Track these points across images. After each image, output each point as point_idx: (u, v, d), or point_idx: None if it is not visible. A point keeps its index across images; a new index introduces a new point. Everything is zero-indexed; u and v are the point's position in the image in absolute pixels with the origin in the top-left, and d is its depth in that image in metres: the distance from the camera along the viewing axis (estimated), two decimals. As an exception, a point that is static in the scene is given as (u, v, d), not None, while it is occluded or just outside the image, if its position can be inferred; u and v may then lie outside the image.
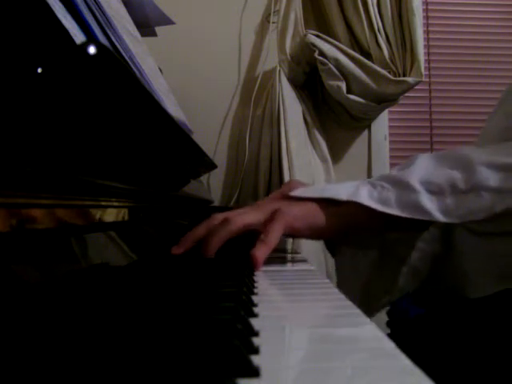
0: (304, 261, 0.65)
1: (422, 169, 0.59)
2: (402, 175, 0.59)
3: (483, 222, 0.56)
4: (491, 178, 0.55)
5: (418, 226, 0.58)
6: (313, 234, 0.61)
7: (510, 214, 0.54)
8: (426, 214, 0.56)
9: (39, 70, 0.24)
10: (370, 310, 0.63)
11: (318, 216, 0.59)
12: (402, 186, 0.58)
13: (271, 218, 0.57)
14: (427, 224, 0.59)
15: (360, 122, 1.57)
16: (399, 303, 0.74)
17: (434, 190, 0.57)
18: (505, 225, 0.56)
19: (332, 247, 0.71)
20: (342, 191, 0.60)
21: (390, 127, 1.65)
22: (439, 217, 0.56)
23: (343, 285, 0.66)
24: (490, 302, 0.60)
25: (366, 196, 0.58)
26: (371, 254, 0.65)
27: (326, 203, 0.60)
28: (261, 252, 0.54)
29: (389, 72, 1.42)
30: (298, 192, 0.62)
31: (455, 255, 0.60)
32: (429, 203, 0.56)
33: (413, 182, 0.57)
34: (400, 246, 0.63)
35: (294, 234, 0.61)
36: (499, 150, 0.59)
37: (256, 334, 0.27)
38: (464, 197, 0.55)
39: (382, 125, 1.62)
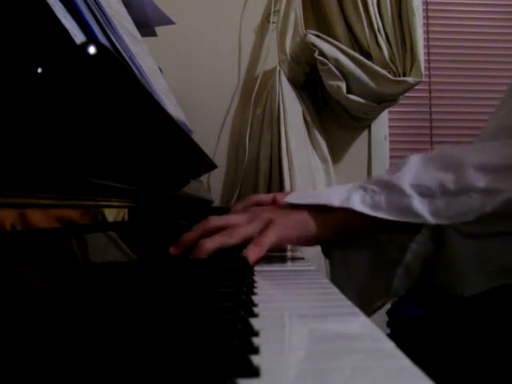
0: (304, 260, 0.65)
1: (413, 171, 0.59)
2: (393, 179, 0.59)
3: (471, 224, 0.56)
4: (480, 179, 0.55)
5: (409, 227, 0.59)
6: (306, 242, 0.63)
7: (499, 215, 0.55)
8: (418, 217, 0.57)
9: (39, 70, 0.24)
10: (368, 312, 0.64)
11: (310, 225, 0.61)
12: (393, 189, 0.58)
13: (265, 227, 0.58)
14: (419, 226, 0.59)
15: (360, 122, 1.57)
16: (400, 303, 0.74)
17: (425, 193, 0.57)
18: (493, 226, 0.57)
19: (327, 250, 0.72)
20: (335, 197, 0.61)
21: (390, 127, 1.65)
22: (430, 219, 0.56)
23: (338, 286, 0.67)
24: (491, 301, 0.60)
25: (358, 201, 0.59)
26: (364, 255, 0.66)
27: (319, 210, 0.61)
28: (253, 252, 0.54)
29: (389, 72, 1.42)
30: (291, 198, 0.63)
31: (446, 255, 0.61)
32: (420, 206, 0.57)
33: (404, 185, 0.58)
34: (393, 247, 0.64)
35: (287, 243, 0.63)
36: (487, 149, 0.59)
37: (256, 334, 0.27)
38: (454, 198, 0.56)
39: (382, 125, 1.62)
